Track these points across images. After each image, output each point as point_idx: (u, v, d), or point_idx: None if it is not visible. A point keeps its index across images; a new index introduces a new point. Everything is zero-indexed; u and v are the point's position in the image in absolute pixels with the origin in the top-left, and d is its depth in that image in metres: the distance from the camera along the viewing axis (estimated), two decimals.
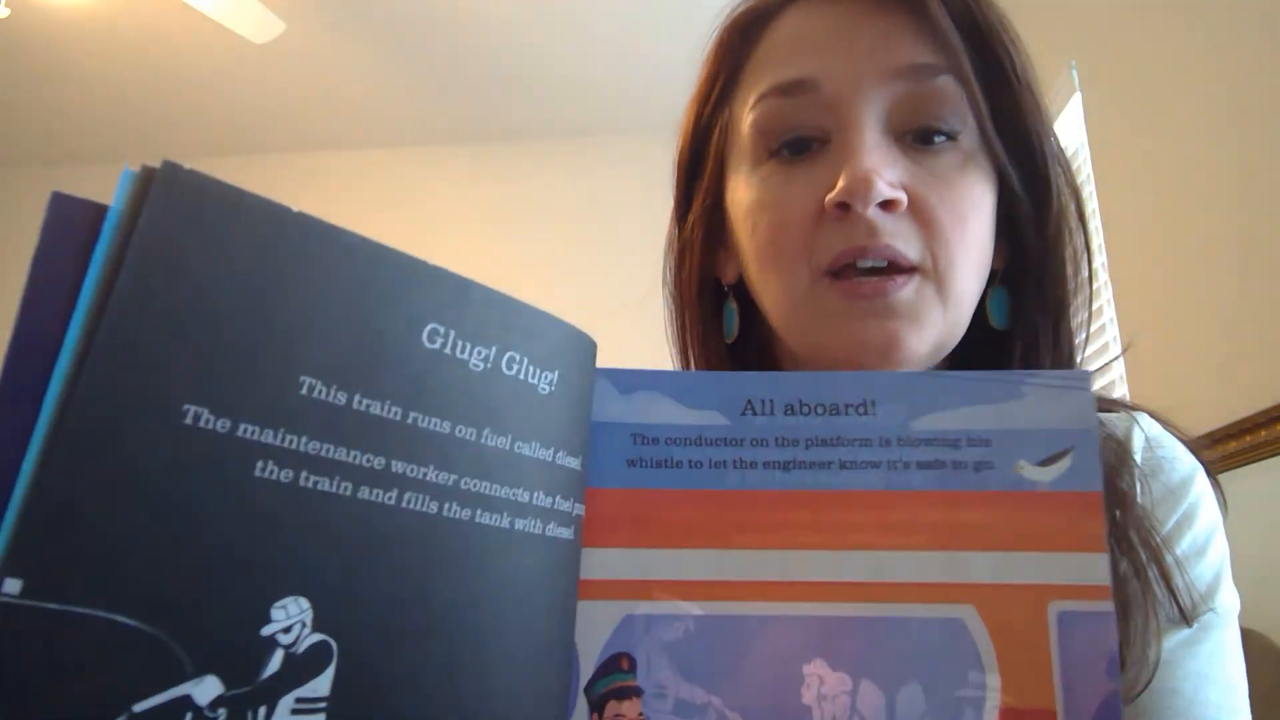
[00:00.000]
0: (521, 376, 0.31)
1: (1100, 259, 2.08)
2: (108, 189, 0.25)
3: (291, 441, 0.26)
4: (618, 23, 3.22)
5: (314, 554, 0.26)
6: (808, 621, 0.36)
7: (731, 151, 0.60)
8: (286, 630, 0.26)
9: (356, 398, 0.27)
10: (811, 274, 0.53)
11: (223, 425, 0.25)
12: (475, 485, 0.29)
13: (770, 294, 0.56)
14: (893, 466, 0.37)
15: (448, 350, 0.29)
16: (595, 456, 0.37)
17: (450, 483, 0.29)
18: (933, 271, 0.52)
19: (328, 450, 0.26)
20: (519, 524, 0.31)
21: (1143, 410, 0.59)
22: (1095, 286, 0.60)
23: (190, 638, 0.24)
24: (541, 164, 4.02)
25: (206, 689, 0.25)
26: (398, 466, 0.28)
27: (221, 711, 0.25)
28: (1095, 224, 2.11)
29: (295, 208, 0.27)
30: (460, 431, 0.29)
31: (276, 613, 0.26)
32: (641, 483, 0.37)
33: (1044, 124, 0.56)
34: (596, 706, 0.35)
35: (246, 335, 0.25)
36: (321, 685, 0.27)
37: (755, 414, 0.38)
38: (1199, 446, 0.58)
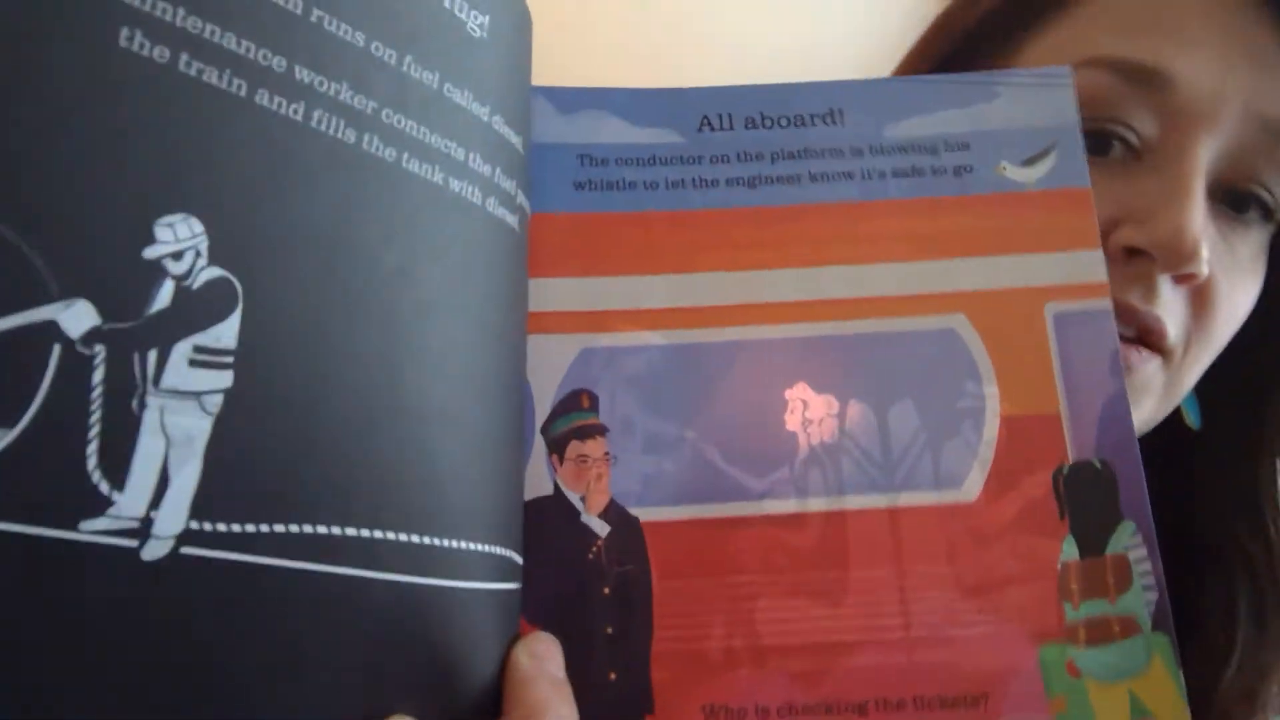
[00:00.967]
0: (447, 5, 0.26)
1: None
2: None
3: (164, 10, 0.20)
4: None
5: (206, 165, 0.21)
6: (786, 344, 0.32)
7: None
8: (176, 257, 0.21)
9: None
10: None
11: None
12: (400, 122, 0.25)
13: None
14: (867, 176, 0.34)
15: None
16: (538, 180, 0.32)
17: (369, 109, 0.24)
18: (1179, 360, 0.42)
19: (212, 32, 0.21)
20: (454, 184, 0.26)
21: None
22: None
23: (53, 249, 0.19)
24: None
25: (77, 316, 0.19)
26: (303, 74, 0.23)
27: (99, 349, 0.20)
28: None
29: None
30: (378, 50, 0.24)
31: (162, 231, 0.21)
32: (592, 206, 0.33)
33: None
34: (556, 447, 0.31)
35: None
36: (225, 334, 0.22)
37: (713, 130, 0.34)
38: None
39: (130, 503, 0.20)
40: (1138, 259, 0.39)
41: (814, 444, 0.31)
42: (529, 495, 0.30)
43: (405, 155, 0.25)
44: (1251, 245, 0.43)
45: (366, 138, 0.24)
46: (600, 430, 0.31)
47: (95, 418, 0.20)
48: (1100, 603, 0.30)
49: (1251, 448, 0.49)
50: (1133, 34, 0.41)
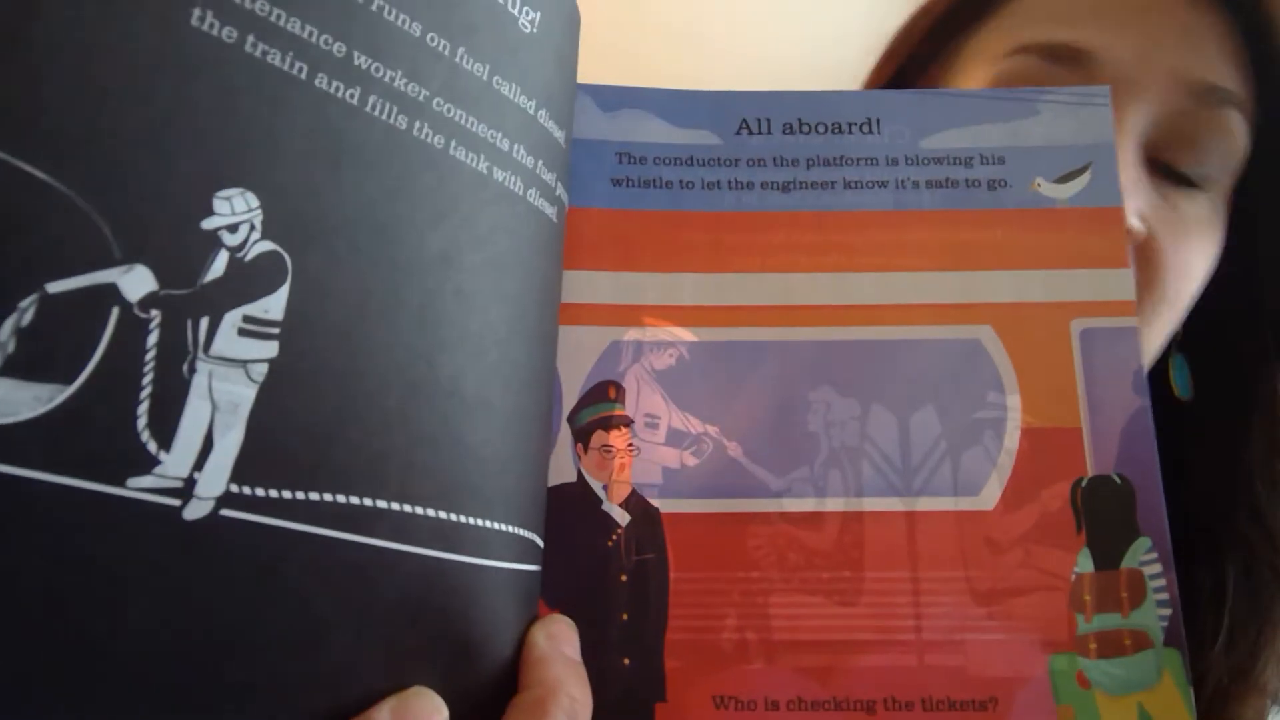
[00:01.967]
0: (501, 1, 0.27)
1: None
2: None
3: None
4: None
5: (265, 143, 0.22)
6: (812, 346, 0.33)
7: None
8: (232, 229, 0.22)
9: None
10: None
11: None
12: (450, 111, 0.25)
13: None
14: (901, 185, 0.34)
15: None
16: (578, 175, 0.33)
17: (422, 97, 0.25)
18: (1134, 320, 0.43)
19: (278, 15, 0.22)
20: (498, 174, 0.27)
21: None
22: None
23: (116, 214, 0.20)
24: None
25: (136, 281, 0.20)
26: (361, 60, 0.23)
27: (155, 314, 0.21)
28: None
29: None
30: (433, 40, 0.25)
31: (220, 204, 0.21)
32: (628, 203, 0.34)
33: None
34: (581, 437, 0.32)
35: None
36: (274, 306, 0.22)
37: (751, 133, 0.35)
38: None
39: (176, 463, 0.21)
40: None
41: (835, 446, 0.32)
42: (553, 481, 0.31)
43: (453, 143, 0.25)
44: (1200, 207, 0.44)
45: (418, 124, 0.25)
46: (625, 421, 0.32)
47: (148, 379, 0.21)
48: (1113, 616, 0.30)
49: (1242, 420, 0.49)
50: (1056, 21, 0.44)
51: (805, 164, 0.34)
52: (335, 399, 0.23)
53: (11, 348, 0.19)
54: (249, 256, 0.22)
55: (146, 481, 0.21)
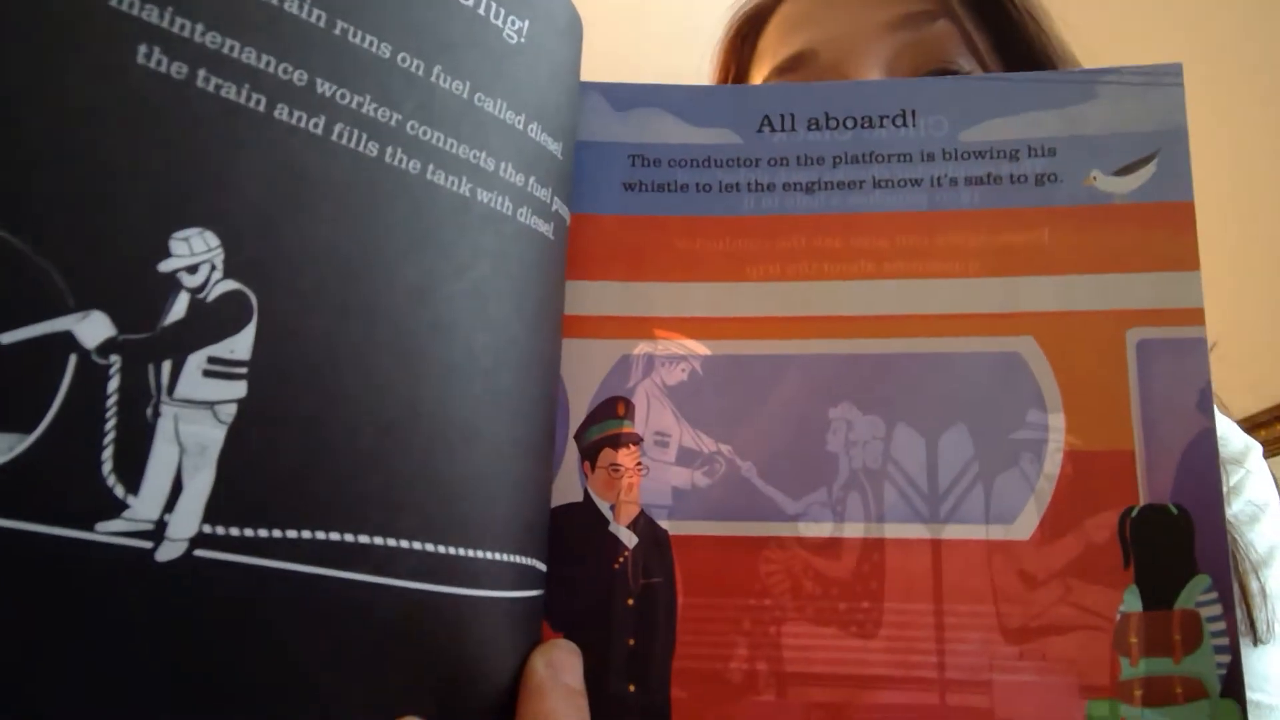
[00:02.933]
0: (482, 12, 0.25)
1: None
2: None
3: (183, 26, 0.21)
4: None
5: (223, 180, 0.22)
6: (833, 360, 0.30)
7: None
8: (192, 270, 0.21)
9: None
10: None
11: None
12: (426, 134, 0.24)
13: None
14: (937, 184, 0.31)
15: None
16: (587, 180, 0.32)
17: (394, 122, 0.24)
18: None
19: (231, 48, 0.21)
20: (482, 195, 0.26)
21: None
22: None
23: (68, 261, 0.20)
24: None
25: (93, 327, 0.20)
26: (325, 88, 0.23)
27: (114, 359, 0.21)
28: None
29: None
30: (405, 61, 0.24)
31: (177, 246, 0.21)
32: (641, 208, 0.32)
33: (1053, 49, 0.52)
34: (588, 455, 0.31)
35: None
36: (240, 346, 0.22)
37: (774, 131, 0.32)
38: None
39: (144, 506, 0.21)
40: None
41: (855, 467, 0.30)
42: (558, 501, 0.30)
43: (430, 167, 0.25)
44: None
45: (390, 150, 0.24)
46: (634, 439, 0.31)
47: (110, 425, 0.21)
48: (1163, 661, 0.28)
49: None
50: (778, 46, 0.53)
51: (831, 162, 0.32)
52: (308, 437, 0.23)
53: None
54: (211, 297, 0.22)
55: (116, 525, 0.21)
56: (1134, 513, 0.28)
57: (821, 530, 0.29)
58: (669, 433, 0.31)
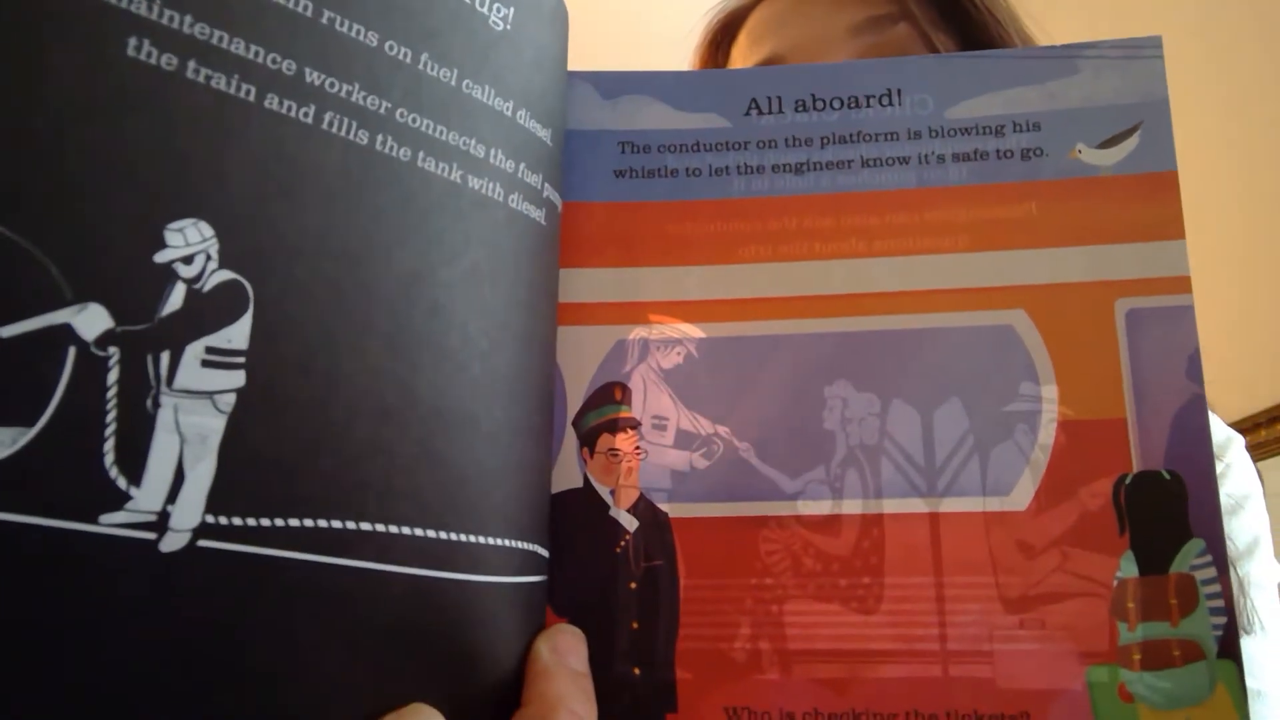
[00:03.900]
0: (468, 0, 0.26)
1: None
2: None
3: (171, 18, 0.21)
4: None
5: (215, 170, 0.22)
6: (827, 339, 0.31)
7: None
8: (187, 261, 0.22)
9: None
10: None
11: None
12: (415, 121, 0.25)
13: None
14: (925, 161, 0.32)
15: None
16: (578, 168, 0.32)
17: (383, 110, 0.24)
18: None
19: (220, 39, 0.22)
20: (473, 182, 0.26)
21: None
22: None
23: (65, 255, 0.20)
24: None
25: (91, 319, 0.21)
26: (314, 77, 0.23)
27: (113, 351, 0.21)
28: None
29: None
30: (392, 49, 0.24)
31: (172, 236, 0.21)
32: (632, 195, 0.32)
33: (1017, 45, 0.54)
34: (586, 441, 0.31)
35: None
36: (237, 335, 0.22)
37: (761, 113, 0.33)
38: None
39: (147, 497, 0.21)
40: None
41: (852, 444, 0.30)
42: (559, 487, 0.30)
43: (421, 155, 0.25)
44: None
45: (380, 138, 0.24)
46: (632, 424, 0.31)
47: (111, 417, 0.21)
48: (1160, 625, 0.28)
49: None
50: (748, 52, 0.55)
51: (820, 143, 0.32)
52: (308, 425, 0.23)
53: None
54: (207, 287, 0.22)
55: (119, 517, 0.21)
56: (1128, 480, 0.29)
57: (820, 508, 0.30)
58: (666, 416, 0.31)
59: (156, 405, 0.21)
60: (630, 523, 0.30)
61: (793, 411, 0.30)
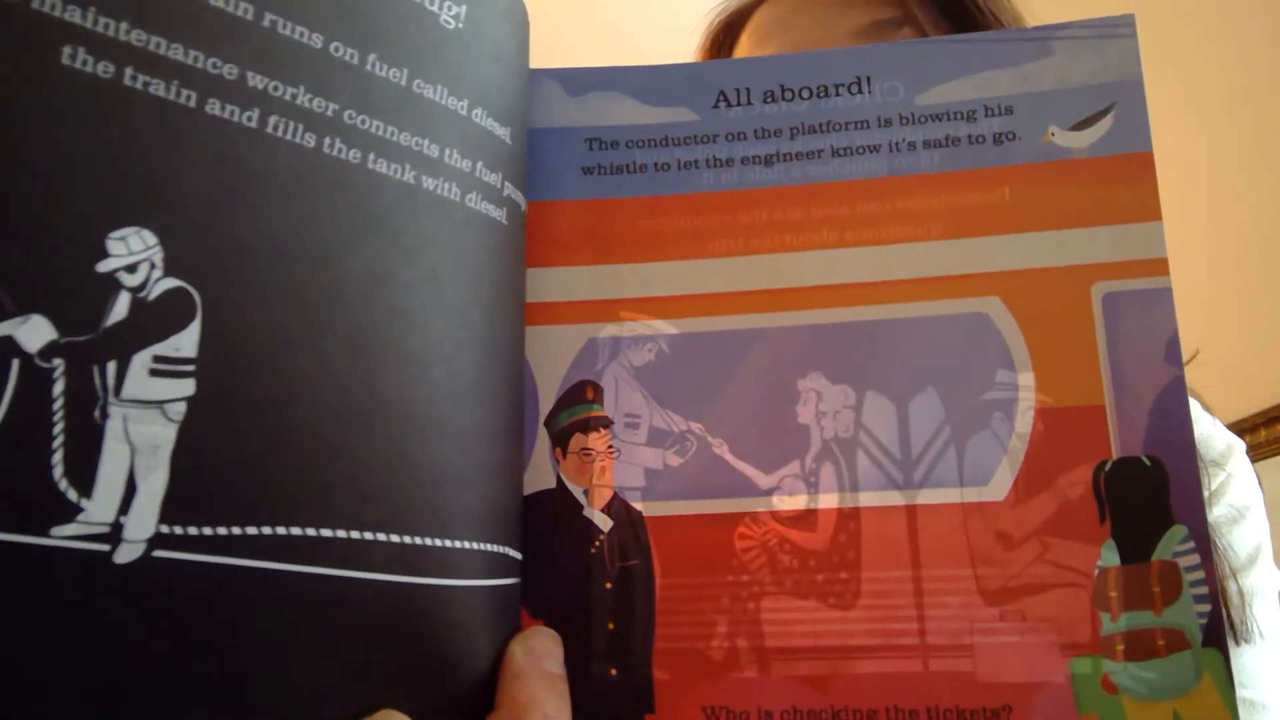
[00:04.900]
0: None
1: None
2: None
3: (107, 26, 0.21)
4: None
5: (157, 177, 0.21)
6: (800, 331, 0.30)
7: None
8: (130, 269, 0.21)
9: None
10: None
11: None
12: (364, 123, 0.24)
13: None
14: (895, 148, 0.31)
15: None
16: (545, 167, 0.32)
17: (330, 112, 0.24)
18: None
19: (158, 45, 0.21)
20: (427, 182, 0.25)
21: None
22: None
23: (5, 266, 0.20)
24: None
25: (34, 331, 0.20)
26: (256, 81, 0.23)
27: (58, 362, 0.21)
28: None
29: None
30: (338, 51, 0.24)
31: (114, 245, 0.21)
32: (601, 192, 0.32)
33: None
34: (559, 441, 0.30)
35: None
36: (185, 344, 0.22)
37: (730, 106, 0.32)
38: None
39: (99, 509, 0.21)
40: None
41: (827, 438, 0.29)
42: (531, 488, 0.30)
43: (372, 156, 0.24)
44: None
45: (328, 141, 0.24)
46: (604, 423, 0.30)
47: (59, 429, 0.21)
48: (1143, 614, 0.27)
49: None
50: (762, 43, 0.55)
51: (789, 133, 0.32)
52: (264, 432, 0.23)
53: None
54: (152, 295, 0.22)
55: (70, 529, 0.21)
56: (1107, 467, 0.28)
57: (796, 503, 0.29)
58: (639, 414, 0.30)
59: (105, 416, 0.21)
60: (604, 522, 0.30)
61: (766, 406, 0.30)
